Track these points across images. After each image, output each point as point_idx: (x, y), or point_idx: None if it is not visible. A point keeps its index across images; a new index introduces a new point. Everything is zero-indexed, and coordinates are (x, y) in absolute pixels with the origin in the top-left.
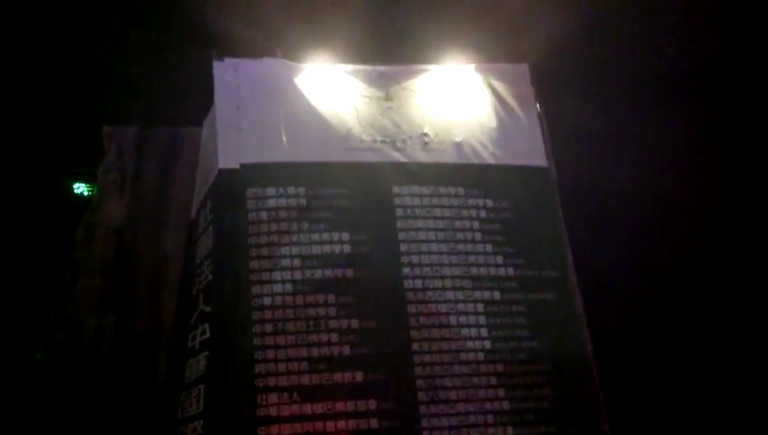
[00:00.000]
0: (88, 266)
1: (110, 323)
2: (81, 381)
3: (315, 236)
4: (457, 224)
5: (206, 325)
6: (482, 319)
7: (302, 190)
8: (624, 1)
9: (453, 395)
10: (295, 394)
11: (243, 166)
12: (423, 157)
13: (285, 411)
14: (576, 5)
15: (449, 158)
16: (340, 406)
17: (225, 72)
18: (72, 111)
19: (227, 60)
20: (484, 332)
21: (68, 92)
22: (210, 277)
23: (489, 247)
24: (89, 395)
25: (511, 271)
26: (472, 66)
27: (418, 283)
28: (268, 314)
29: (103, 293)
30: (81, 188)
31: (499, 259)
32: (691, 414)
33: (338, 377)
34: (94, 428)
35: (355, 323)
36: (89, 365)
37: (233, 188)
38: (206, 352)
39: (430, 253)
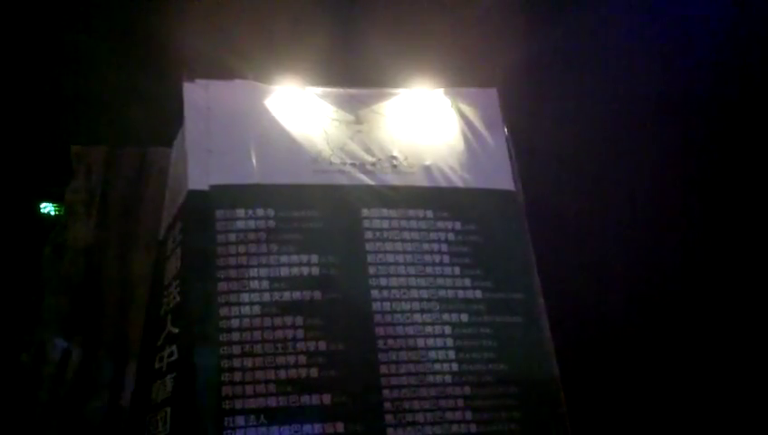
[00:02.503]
0: (55, 287)
1: (76, 343)
2: (47, 403)
3: (284, 259)
4: (426, 247)
5: (174, 347)
6: (449, 341)
7: (271, 212)
8: (593, 26)
9: (420, 418)
10: (262, 416)
11: (212, 187)
12: (392, 180)
13: (252, 434)
14: (545, 31)
15: (418, 181)
16: (307, 429)
17: (196, 94)
18: (40, 130)
19: (198, 81)
20: (451, 354)
21: (36, 112)
22: (178, 299)
23: (457, 270)
24: (54, 417)
25: (479, 294)
26: (441, 90)
27: (386, 305)
28: (236, 336)
29: (70, 313)
30: (48, 207)
31: (467, 282)
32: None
33: (305, 399)
34: None
35: (323, 346)
36: (54, 386)
37: (202, 209)
38: (174, 374)
39: (398, 275)
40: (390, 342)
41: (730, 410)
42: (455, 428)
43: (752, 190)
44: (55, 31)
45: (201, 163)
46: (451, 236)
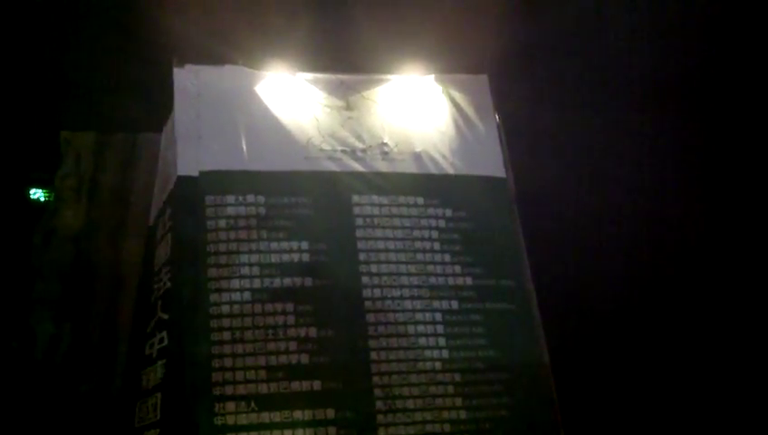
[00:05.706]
0: (45, 273)
1: (66, 330)
2: (36, 389)
3: (274, 245)
4: (416, 234)
5: (164, 333)
6: (440, 328)
7: (261, 199)
8: (585, 10)
9: (410, 404)
10: (253, 403)
11: (202, 173)
12: (383, 167)
13: (243, 420)
14: (537, 16)
15: (409, 168)
16: (297, 415)
17: (186, 79)
18: (29, 115)
19: (188, 66)
20: (441, 341)
21: (25, 97)
22: (168, 285)
23: (447, 257)
24: (43, 403)
25: (469, 280)
26: (432, 77)
27: (377, 292)
28: (226, 322)
29: (60, 300)
30: (37, 193)
31: (457, 269)
32: (647, 424)
33: (296, 386)
34: None
35: (313, 332)
36: (44, 373)
37: (192, 195)
38: (164, 360)
39: (389, 262)
40: (381, 328)
41: (723, 399)
42: (445, 414)
43: (750, 171)
44: (44, 16)
45: (191, 149)
46: (441, 223)
